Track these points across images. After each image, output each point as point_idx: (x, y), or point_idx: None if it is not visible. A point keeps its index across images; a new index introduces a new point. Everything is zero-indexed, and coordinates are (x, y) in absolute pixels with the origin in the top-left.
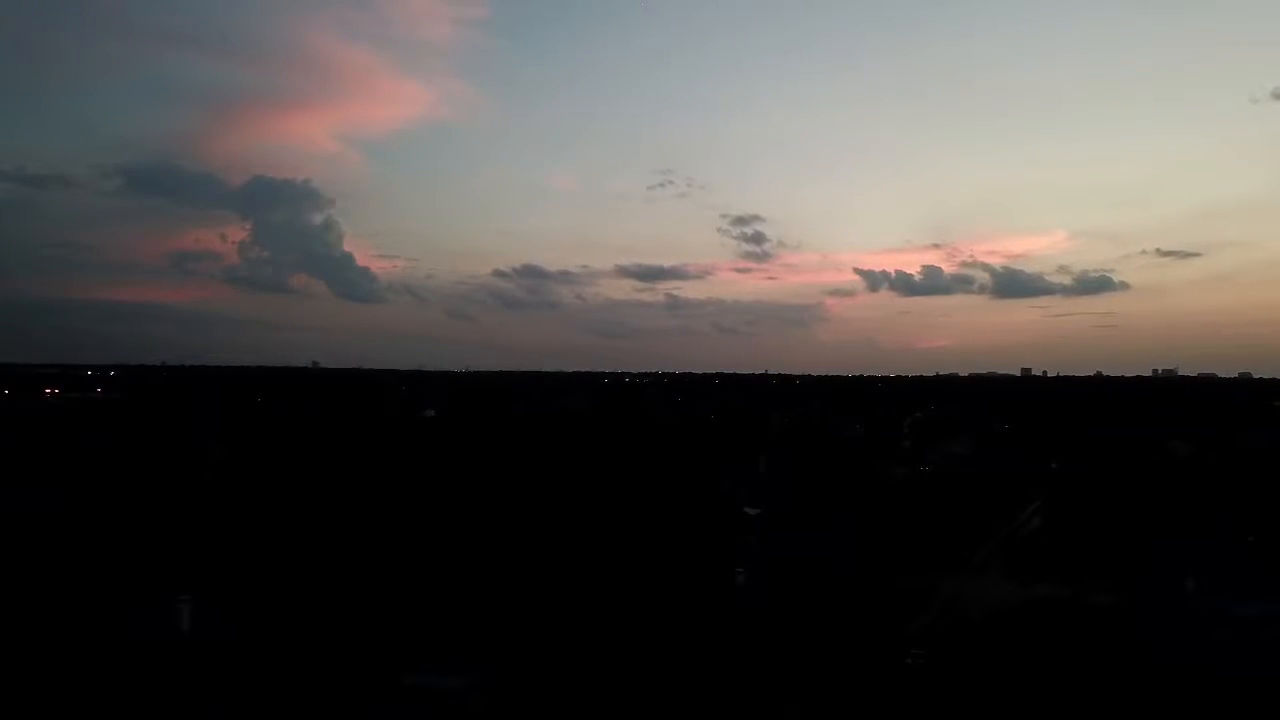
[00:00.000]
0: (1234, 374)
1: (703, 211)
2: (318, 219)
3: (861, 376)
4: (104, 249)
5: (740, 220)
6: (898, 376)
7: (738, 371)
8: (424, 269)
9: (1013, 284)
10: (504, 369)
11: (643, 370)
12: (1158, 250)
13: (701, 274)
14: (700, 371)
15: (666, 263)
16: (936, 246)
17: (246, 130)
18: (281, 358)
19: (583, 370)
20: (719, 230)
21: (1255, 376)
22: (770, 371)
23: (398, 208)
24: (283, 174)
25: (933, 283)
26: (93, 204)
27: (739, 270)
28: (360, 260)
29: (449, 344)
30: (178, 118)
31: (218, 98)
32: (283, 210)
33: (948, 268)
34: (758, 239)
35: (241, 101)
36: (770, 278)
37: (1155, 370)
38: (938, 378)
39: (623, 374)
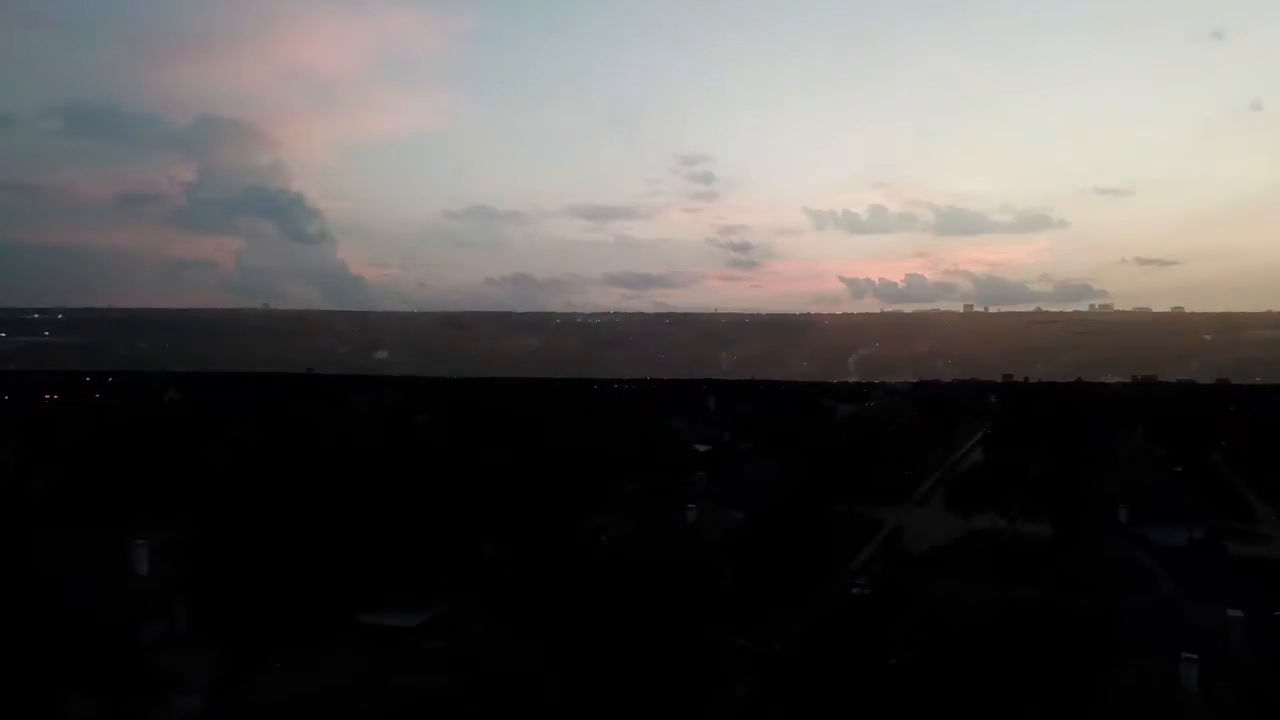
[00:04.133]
0: (1167, 308)
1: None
2: (264, 160)
3: (809, 314)
4: (47, 191)
5: (689, 160)
6: (844, 314)
7: (688, 312)
8: (373, 210)
9: (956, 222)
10: (455, 309)
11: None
12: (1095, 189)
13: (650, 213)
14: (651, 311)
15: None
16: (882, 185)
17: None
18: (231, 300)
19: (534, 311)
20: (669, 170)
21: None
22: (720, 311)
23: (345, 148)
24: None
25: (878, 221)
26: (33, 144)
27: (688, 210)
28: (309, 201)
29: (400, 284)
30: (121, 55)
31: (161, 34)
32: (229, 151)
33: (893, 207)
34: (706, 178)
35: (185, 39)
36: (719, 217)
37: (1091, 305)
38: (882, 314)
39: (574, 313)
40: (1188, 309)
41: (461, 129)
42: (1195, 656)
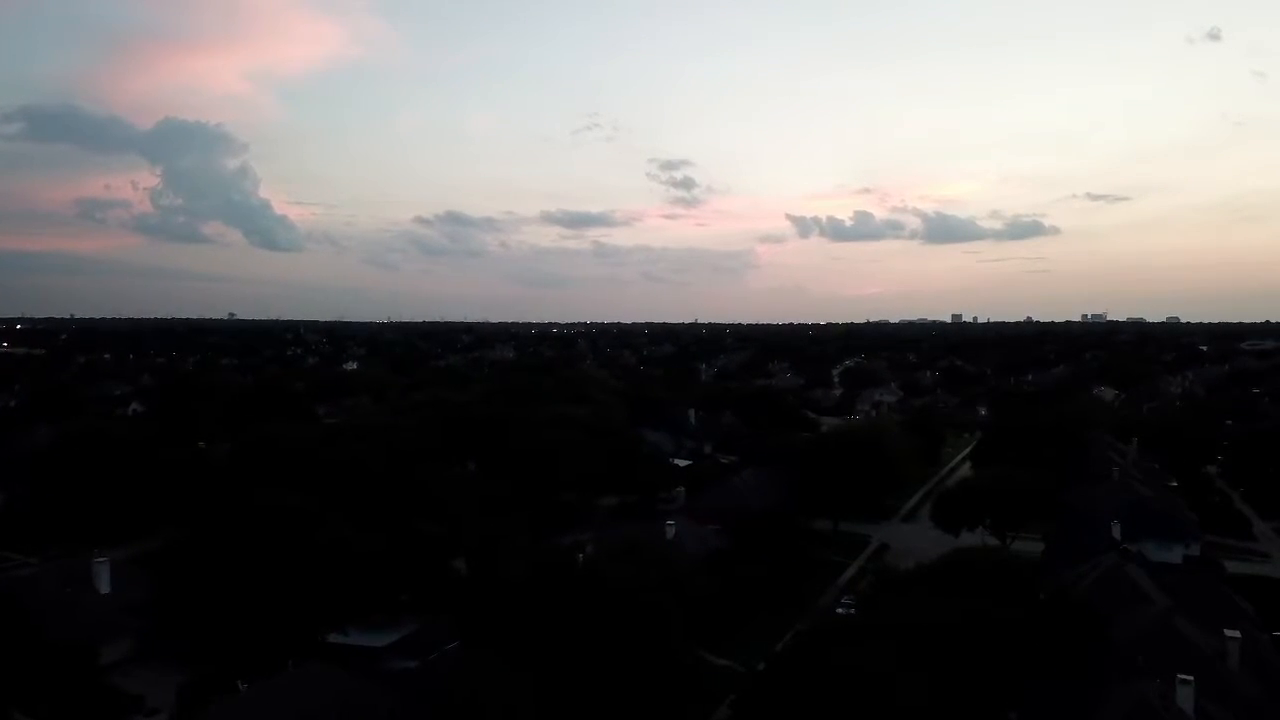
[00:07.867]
0: (1162, 318)
1: (630, 156)
2: (232, 164)
3: (792, 324)
4: (7, 197)
5: (669, 165)
6: (828, 323)
7: (667, 321)
8: (343, 216)
9: (944, 229)
10: (427, 319)
11: (570, 320)
12: (1088, 194)
13: (629, 220)
14: (629, 321)
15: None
16: (868, 191)
17: (154, 71)
18: (197, 309)
19: (508, 321)
20: (648, 175)
21: (1183, 320)
22: (700, 320)
23: (314, 152)
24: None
25: (864, 228)
26: None
27: (668, 217)
28: (277, 208)
29: (370, 292)
30: (81, 57)
31: (123, 36)
32: (195, 155)
33: (879, 213)
34: (687, 184)
35: (147, 40)
36: (700, 224)
37: (1085, 315)
38: (868, 324)
39: (549, 324)
40: (1184, 319)
41: (437, 133)
42: (1191, 678)
